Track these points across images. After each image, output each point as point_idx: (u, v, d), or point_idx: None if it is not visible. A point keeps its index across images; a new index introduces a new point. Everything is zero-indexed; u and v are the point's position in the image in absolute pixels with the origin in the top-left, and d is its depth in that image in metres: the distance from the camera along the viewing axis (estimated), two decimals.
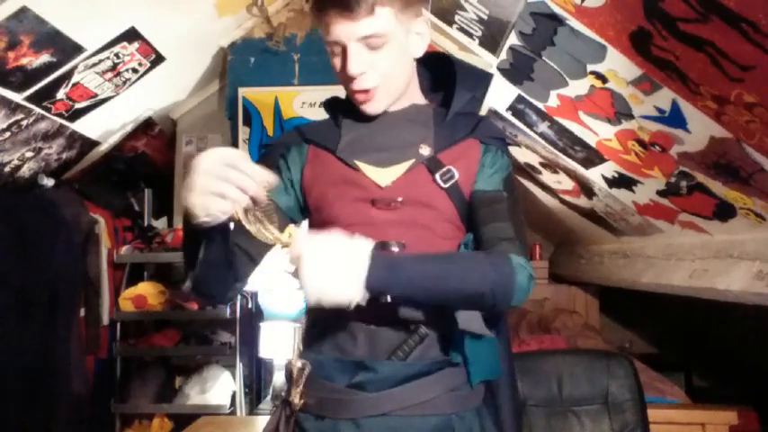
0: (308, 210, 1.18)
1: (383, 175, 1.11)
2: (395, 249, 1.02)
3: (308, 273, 0.92)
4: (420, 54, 1.14)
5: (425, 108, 1.18)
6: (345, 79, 1.09)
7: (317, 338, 1.13)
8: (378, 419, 1.05)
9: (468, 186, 1.12)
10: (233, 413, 2.99)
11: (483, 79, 1.23)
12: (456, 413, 1.08)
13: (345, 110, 1.18)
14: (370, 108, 1.12)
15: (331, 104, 1.24)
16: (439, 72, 1.22)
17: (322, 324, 1.13)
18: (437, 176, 1.10)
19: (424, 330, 1.07)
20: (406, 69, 1.13)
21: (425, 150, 1.12)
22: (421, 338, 1.07)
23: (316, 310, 1.12)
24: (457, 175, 1.10)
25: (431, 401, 1.07)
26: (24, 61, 2.18)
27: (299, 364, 1.10)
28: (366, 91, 1.09)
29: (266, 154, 1.24)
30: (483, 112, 2.80)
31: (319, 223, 1.13)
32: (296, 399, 1.09)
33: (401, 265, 0.98)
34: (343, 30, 1.04)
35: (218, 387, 3.05)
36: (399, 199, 1.08)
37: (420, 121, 1.15)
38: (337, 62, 1.09)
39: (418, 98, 1.18)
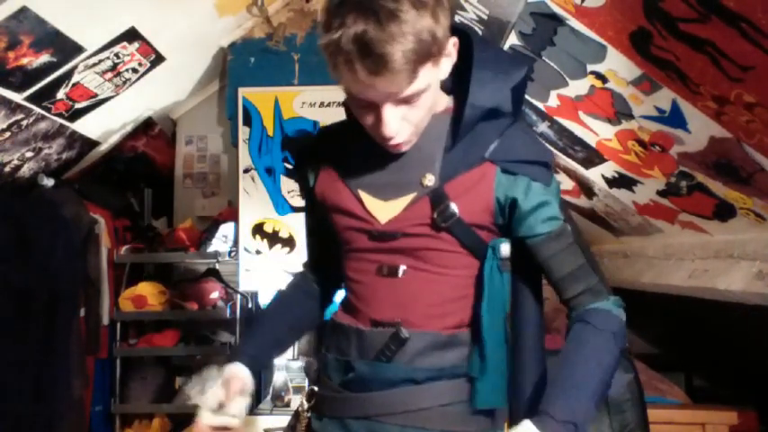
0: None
1: (383, 211, 1.06)
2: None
3: None
4: (447, 74, 1.02)
5: (442, 117, 1.06)
6: (374, 134, 1.01)
7: (326, 338, 1.17)
8: (361, 422, 1.05)
9: (478, 218, 1.04)
10: None
11: (516, 68, 1.07)
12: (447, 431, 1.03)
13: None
14: (397, 152, 1.05)
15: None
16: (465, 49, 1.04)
17: (329, 324, 1.17)
18: (435, 214, 1.02)
19: (405, 333, 1.03)
20: (434, 102, 1.03)
21: (430, 181, 1.03)
22: (400, 342, 1.03)
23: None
24: (457, 212, 1.02)
25: (417, 413, 1.02)
26: (24, 61, 2.17)
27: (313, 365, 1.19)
28: (399, 143, 1.01)
29: (298, 164, 1.29)
30: None
31: (335, 241, 1.15)
32: (305, 400, 1.15)
33: (582, 415, 0.93)
34: (380, 93, 0.94)
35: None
36: (397, 234, 1.05)
37: (433, 137, 1.05)
38: (366, 114, 0.99)
39: (438, 104, 1.06)
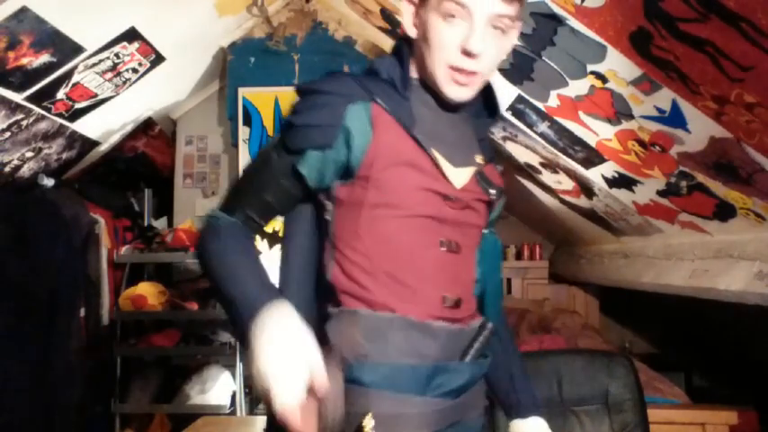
0: (353, 176, 0.98)
1: (457, 176, 1.01)
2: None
3: None
4: (511, 47, 1.07)
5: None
6: (451, 53, 0.96)
7: (376, 344, 0.94)
8: (449, 429, 0.98)
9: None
10: (233, 413, 2.99)
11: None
12: (485, 407, 1.09)
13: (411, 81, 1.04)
14: (461, 93, 1.00)
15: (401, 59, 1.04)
16: None
17: (383, 326, 0.95)
18: (492, 192, 1.05)
19: (492, 325, 1.04)
20: (500, 60, 1.04)
21: (480, 159, 1.06)
22: (490, 334, 1.04)
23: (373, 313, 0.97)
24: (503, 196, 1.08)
25: (481, 398, 1.07)
26: (24, 61, 2.18)
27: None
28: (472, 73, 0.98)
29: (327, 104, 0.98)
30: None
31: (375, 203, 0.97)
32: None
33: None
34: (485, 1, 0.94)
35: (218, 387, 3.06)
36: (464, 201, 1.02)
37: (468, 123, 1.09)
38: (447, 29, 0.96)
39: None
